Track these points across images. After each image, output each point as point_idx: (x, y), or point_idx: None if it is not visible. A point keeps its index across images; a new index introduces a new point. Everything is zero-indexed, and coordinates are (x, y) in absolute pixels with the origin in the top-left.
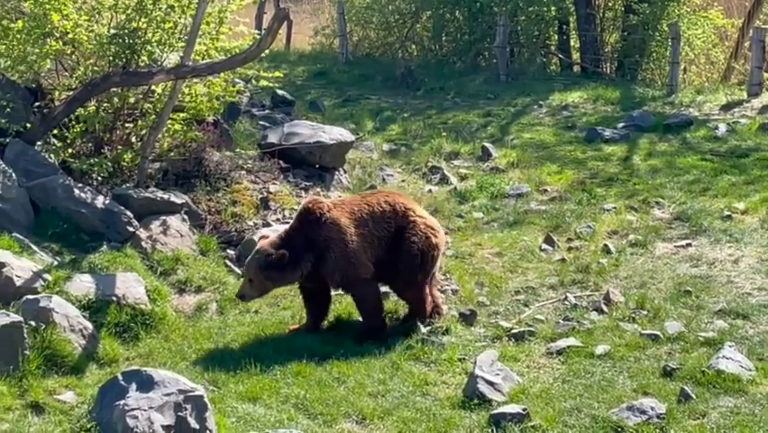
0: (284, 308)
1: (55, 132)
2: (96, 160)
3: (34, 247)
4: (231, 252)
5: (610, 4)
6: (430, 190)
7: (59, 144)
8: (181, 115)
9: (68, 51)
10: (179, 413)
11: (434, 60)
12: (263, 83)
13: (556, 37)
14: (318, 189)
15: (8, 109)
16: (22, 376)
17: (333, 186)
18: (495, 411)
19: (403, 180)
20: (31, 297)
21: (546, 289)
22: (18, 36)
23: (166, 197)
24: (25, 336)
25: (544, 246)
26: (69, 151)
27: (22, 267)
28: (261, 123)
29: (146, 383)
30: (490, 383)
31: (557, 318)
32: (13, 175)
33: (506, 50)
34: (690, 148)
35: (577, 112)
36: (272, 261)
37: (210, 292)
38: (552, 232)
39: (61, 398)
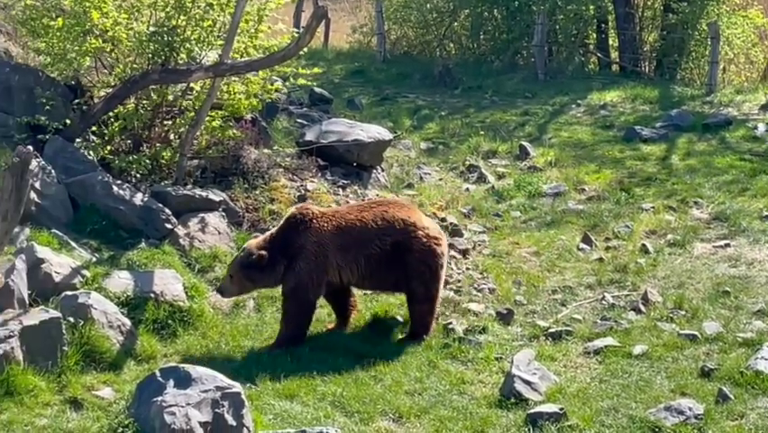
0: (321, 306)
1: (94, 129)
2: (135, 157)
3: (73, 244)
4: None
5: (649, 3)
6: (467, 189)
7: (98, 141)
8: (219, 112)
9: (108, 49)
10: (217, 410)
11: (471, 59)
12: (301, 81)
13: (595, 36)
14: (356, 188)
15: (48, 106)
16: (60, 372)
17: (371, 184)
18: (532, 411)
19: (440, 179)
20: (70, 293)
21: (584, 288)
22: (58, 34)
23: (204, 194)
24: (64, 332)
25: (582, 246)
26: (108, 148)
27: (61, 263)
28: (299, 120)
29: (184, 380)
30: (527, 383)
31: (594, 318)
32: (53, 172)
33: (544, 49)
34: (729, 148)
35: (615, 111)
36: (252, 261)
37: None
38: (589, 231)
39: (99, 394)
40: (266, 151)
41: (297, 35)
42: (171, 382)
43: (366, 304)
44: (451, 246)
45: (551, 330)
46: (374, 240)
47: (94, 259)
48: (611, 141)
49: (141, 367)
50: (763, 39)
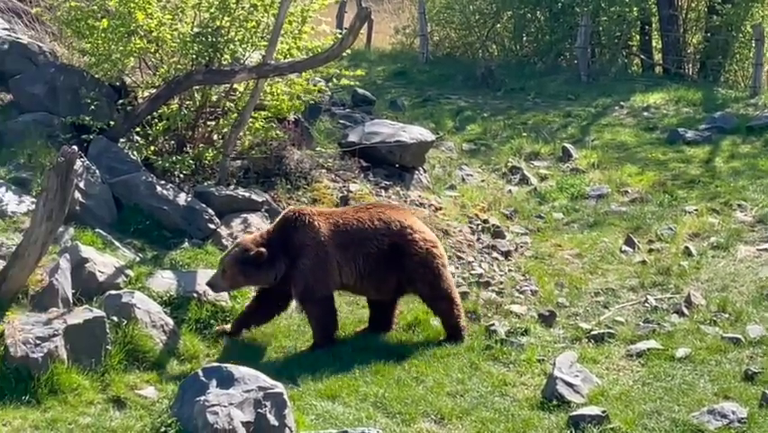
0: (363, 306)
1: (138, 129)
2: (179, 157)
3: (117, 243)
4: None
5: (693, 5)
6: (510, 191)
7: (141, 142)
8: (263, 113)
9: (152, 50)
10: (259, 410)
11: (514, 61)
12: (344, 82)
13: (638, 38)
14: (398, 189)
15: (92, 107)
16: (104, 371)
17: (413, 185)
18: (574, 413)
19: (482, 180)
20: (113, 292)
21: (626, 290)
22: (103, 35)
23: (247, 194)
24: (107, 331)
25: (625, 248)
26: (152, 148)
27: (104, 263)
28: (342, 121)
29: (226, 380)
30: (569, 385)
31: (637, 321)
32: (97, 172)
33: (587, 51)
34: None
35: (658, 113)
36: (249, 257)
37: None
38: (632, 233)
39: (142, 393)
40: (308, 151)
41: (340, 36)
42: (214, 382)
43: (408, 305)
44: (493, 248)
45: (593, 332)
46: (372, 239)
47: (137, 259)
48: (654, 143)
49: (183, 367)
50: None
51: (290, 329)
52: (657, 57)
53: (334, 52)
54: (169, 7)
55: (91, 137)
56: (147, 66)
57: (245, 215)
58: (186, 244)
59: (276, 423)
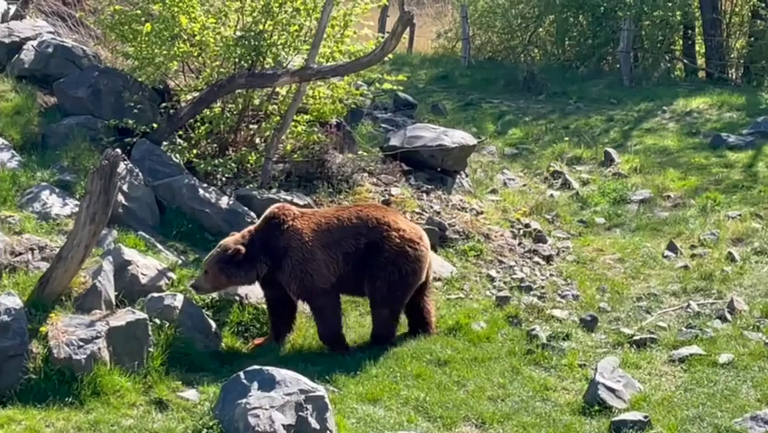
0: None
1: (181, 132)
2: (221, 160)
3: (159, 246)
4: None
5: (737, 9)
6: (551, 195)
7: (184, 145)
8: (305, 117)
9: (195, 53)
10: (300, 413)
11: (556, 65)
12: (387, 86)
13: (681, 42)
14: (440, 193)
15: (135, 110)
16: (146, 373)
17: (455, 189)
18: (616, 418)
19: (524, 185)
20: (156, 295)
21: (669, 296)
22: (146, 38)
23: (289, 198)
24: (150, 333)
25: (667, 253)
26: (195, 151)
27: (147, 265)
28: (384, 125)
29: (268, 382)
30: (611, 390)
31: (680, 326)
32: (140, 174)
33: (629, 55)
34: None
35: (701, 118)
36: (227, 256)
37: None
38: (674, 238)
39: (184, 395)
40: (350, 155)
41: (382, 40)
42: (255, 385)
43: (449, 310)
44: (534, 252)
45: (635, 337)
46: (350, 238)
47: (180, 261)
48: (697, 148)
49: (225, 369)
50: None
51: None
52: (700, 61)
53: (377, 56)
54: (213, 11)
55: (134, 140)
56: (190, 69)
57: None
58: None
59: (317, 426)
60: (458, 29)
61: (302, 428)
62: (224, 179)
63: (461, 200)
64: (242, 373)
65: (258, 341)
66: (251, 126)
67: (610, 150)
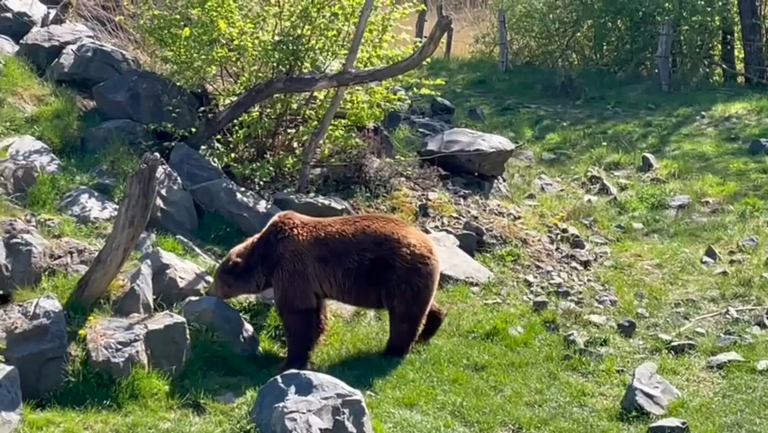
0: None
1: (219, 136)
2: (259, 164)
3: (197, 249)
4: None
5: None
6: (589, 200)
7: (222, 149)
8: (342, 121)
9: (234, 58)
10: (337, 417)
11: (594, 70)
12: (425, 91)
13: (720, 47)
14: (477, 197)
15: (174, 114)
16: (183, 376)
17: (492, 194)
18: (653, 424)
19: (562, 190)
20: (193, 298)
21: (707, 302)
22: (185, 43)
23: (326, 202)
24: (187, 336)
25: (706, 259)
26: (233, 155)
27: (185, 269)
28: (421, 130)
29: (305, 387)
30: (649, 396)
31: (718, 332)
32: (178, 178)
33: (668, 60)
34: None
35: (740, 123)
36: (228, 267)
37: None
38: (713, 244)
39: (221, 398)
40: (388, 160)
41: (420, 45)
42: (293, 389)
43: (486, 315)
44: (572, 258)
45: (673, 343)
46: (352, 254)
47: (218, 265)
48: (736, 153)
49: (262, 373)
50: None
51: (369, 337)
52: (739, 66)
53: (414, 61)
54: (251, 16)
55: (173, 144)
56: (228, 74)
57: None
58: None
59: (354, 430)
60: (496, 33)
61: (339, 432)
62: (261, 183)
63: (499, 205)
64: (279, 377)
65: None
66: (288, 131)
67: (648, 155)
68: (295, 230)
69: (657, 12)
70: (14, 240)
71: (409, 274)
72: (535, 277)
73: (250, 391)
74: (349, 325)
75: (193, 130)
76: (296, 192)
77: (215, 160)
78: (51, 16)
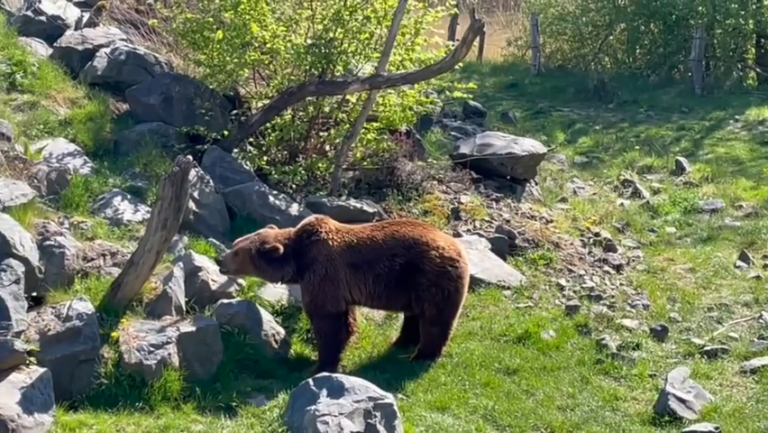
0: (473, 318)
1: (251, 139)
2: (291, 168)
3: None
4: None
5: None
6: (622, 204)
7: (254, 152)
8: (375, 124)
9: (266, 61)
10: (369, 420)
11: (627, 73)
12: (457, 94)
13: (753, 50)
14: (509, 201)
15: (207, 117)
16: (215, 379)
17: (524, 197)
18: (686, 429)
19: (594, 193)
20: (225, 301)
21: (740, 306)
22: (218, 46)
23: (359, 205)
24: (219, 339)
25: (739, 263)
26: (265, 158)
27: (217, 272)
28: (453, 133)
29: (337, 390)
30: (682, 401)
31: (751, 337)
32: (211, 181)
33: (701, 64)
34: None
35: None
36: (265, 250)
37: None
38: (747, 248)
39: (253, 401)
40: (420, 163)
41: (452, 48)
42: (324, 392)
43: (518, 318)
44: (604, 261)
45: (706, 348)
46: (383, 260)
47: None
48: None
49: (293, 376)
50: None
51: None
52: None
53: (447, 64)
54: (284, 19)
55: (205, 147)
56: (261, 77)
57: None
58: None
59: None
60: (528, 37)
61: None
62: (294, 186)
63: (531, 208)
64: (311, 380)
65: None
66: (321, 134)
67: (681, 159)
68: (329, 234)
69: (690, 15)
70: (48, 242)
71: (439, 278)
72: (568, 281)
73: (281, 394)
74: (381, 328)
75: (225, 133)
76: (328, 195)
77: (248, 163)
78: (85, 19)
